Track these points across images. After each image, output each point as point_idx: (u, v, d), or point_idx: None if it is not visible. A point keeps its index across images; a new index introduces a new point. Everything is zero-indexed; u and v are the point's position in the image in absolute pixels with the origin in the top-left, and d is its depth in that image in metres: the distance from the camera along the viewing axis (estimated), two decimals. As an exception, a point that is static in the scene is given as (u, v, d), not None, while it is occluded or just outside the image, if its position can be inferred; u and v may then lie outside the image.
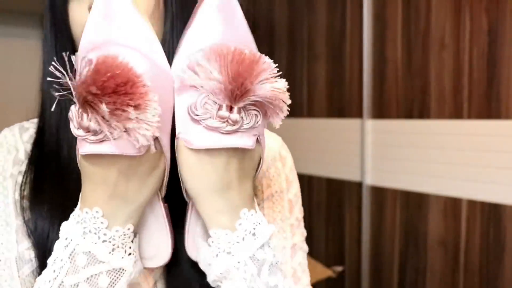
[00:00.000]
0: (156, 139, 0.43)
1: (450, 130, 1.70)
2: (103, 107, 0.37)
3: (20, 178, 0.54)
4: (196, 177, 0.44)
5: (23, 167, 0.55)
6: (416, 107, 1.82)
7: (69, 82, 0.38)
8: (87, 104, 0.38)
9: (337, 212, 2.13)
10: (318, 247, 2.20)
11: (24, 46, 4.55)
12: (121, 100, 0.38)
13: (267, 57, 0.43)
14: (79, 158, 0.45)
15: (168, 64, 0.45)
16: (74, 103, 0.40)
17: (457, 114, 1.68)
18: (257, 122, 0.43)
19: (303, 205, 0.66)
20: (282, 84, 0.42)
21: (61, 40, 0.54)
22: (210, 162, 0.44)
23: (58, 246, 0.45)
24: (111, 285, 0.44)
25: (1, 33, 4.52)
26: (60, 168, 0.54)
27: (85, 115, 0.39)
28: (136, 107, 0.38)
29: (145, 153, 0.42)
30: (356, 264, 2.08)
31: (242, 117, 0.43)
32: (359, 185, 2.04)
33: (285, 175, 0.62)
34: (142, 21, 0.44)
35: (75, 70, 0.39)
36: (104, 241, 0.43)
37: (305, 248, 0.62)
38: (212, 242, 0.46)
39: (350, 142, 2.06)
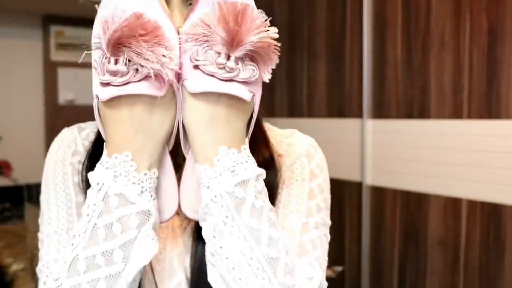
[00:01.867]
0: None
1: (450, 130, 1.70)
2: (142, 44, 0.46)
3: (78, 166, 0.63)
4: (189, 112, 0.50)
5: (81, 157, 0.63)
6: (416, 107, 1.82)
7: (101, 33, 0.46)
8: (121, 46, 0.46)
9: (337, 212, 2.13)
10: (318, 247, 2.20)
11: (25, 46, 4.56)
12: (155, 40, 0.46)
13: (261, 11, 0.49)
14: (98, 106, 0.50)
15: (170, 22, 0.52)
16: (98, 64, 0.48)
17: (457, 114, 1.68)
18: (254, 76, 0.49)
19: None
20: (272, 31, 0.49)
21: None
22: (204, 99, 0.49)
23: (90, 193, 0.49)
24: (140, 226, 0.48)
25: (1, 33, 4.52)
26: None
27: (112, 60, 0.46)
28: (166, 47, 0.47)
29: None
30: (356, 264, 2.08)
31: (238, 68, 0.48)
32: (359, 185, 2.04)
33: (309, 168, 0.64)
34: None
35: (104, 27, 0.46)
36: (133, 183, 0.48)
37: (326, 233, 0.63)
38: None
39: (350, 142, 2.06)
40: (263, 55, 0.49)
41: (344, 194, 2.11)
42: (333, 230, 2.47)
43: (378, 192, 1.98)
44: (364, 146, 1.99)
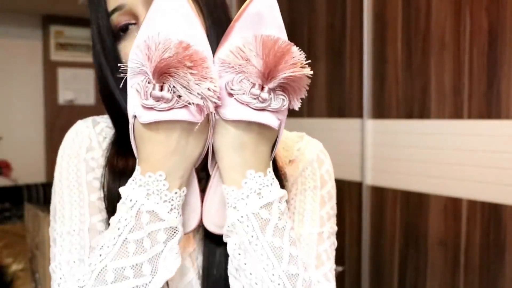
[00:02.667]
0: None
1: (450, 130, 1.70)
2: (189, 76, 0.47)
3: (92, 163, 0.63)
4: (220, 136, 0.53)
5: (95, 154, 0.64)
6: (416, 107, 1.82)
7: (145, 59, 0.48)
8: (168, 75, 0.48)
9: (337, 212, 2.13)
10: (318, 247, 2.20)
11: (25, 46, 4.56)
12: (202, 73, 0.48)
13: (298, 48, 0.51)
14: (134, 125, 0.52)
15: (211, 51, 0.53)
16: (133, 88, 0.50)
17: (457, 114, 1.68)
18: (283, 106, 0.51)
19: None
20: (307, 71, 0.50)
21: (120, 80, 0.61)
22: (235, 126, 0.52)
23: (121, 208, 0.51)
24: (167, 241, 0.51)
25: (1, 33, 4.51)
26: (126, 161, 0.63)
27: (157, 86, 0.48)
28: (211, 79, 0.49)
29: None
30: (356, 264, 2.08)
31: (270, 98, 0.51)
32: (359, 185, 2.04)
33: (320, 174, 0.67)
34: (194, 17, 0.53)
35: (148, 52, 0.48)
36: (165, 201, 0.51)
37: (334, 241, 0.68)
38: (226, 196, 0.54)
39: (350, 142, 2.06)
40: (295, 87, 0.51)
41: (344, 194, 2.11)
42: (333, 230, 2.42)
43: (378, 192, 1.98)
44: (364, 146, 1.99)
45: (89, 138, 0.65)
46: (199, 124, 0.50)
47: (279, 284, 0.51)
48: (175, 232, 0.51)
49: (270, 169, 0.54)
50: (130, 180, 0.52)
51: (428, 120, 1.77)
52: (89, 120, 0.66)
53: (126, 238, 0.50)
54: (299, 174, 0.66)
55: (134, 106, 0.51)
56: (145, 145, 0.52)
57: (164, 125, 0.50)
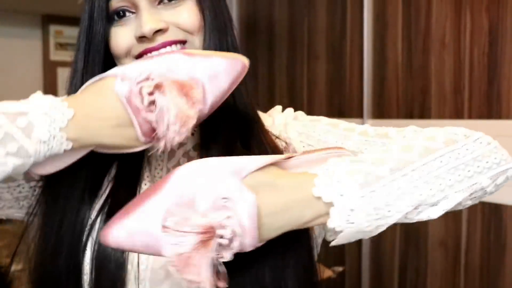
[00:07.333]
0: None
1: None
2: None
3: None
4: None
5: None
6: (416, 107, 1.81)
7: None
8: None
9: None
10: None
11: (24, 46, 4.55)
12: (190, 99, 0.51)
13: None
14: (108, 86, 0.52)
15: None
16: None
17: (457, 114, 1.68)
18: None
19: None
20: None
21: (93, 59, 0.63)
22: None
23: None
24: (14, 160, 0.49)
25: (1, 33, 4.50)
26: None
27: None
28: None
29: None
30: (356, 264, 2.08)
31: None
32: (359, 185, 2.03)
33: (303, 124, 0.69)
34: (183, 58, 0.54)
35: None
36: (50, 125, 0.49)
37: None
38: None
39: (350, 142, 2.05)
40: None
41: (344, 194, 2.11)
42: (333, 230, 2.41)
43: (378, 192, 1.97)
44: (364, 146, 1.98)
45: None
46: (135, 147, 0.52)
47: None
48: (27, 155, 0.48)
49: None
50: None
51: (429, 120, 1.77)
52: None
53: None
54: (296, 140, 0.68)
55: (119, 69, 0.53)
56: (91, 96, 0.52)
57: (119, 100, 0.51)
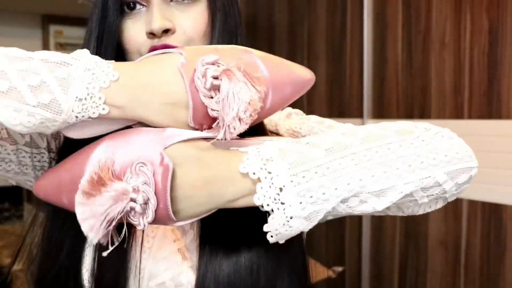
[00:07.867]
0: None
1: (451, 130, 1.70)
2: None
3: None
4: None
5: None
6: (416, 107, 1.81)
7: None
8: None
9: (337, 212, 2.13)
10: (318, 247, 2.20)
11: (24, 46, 4.55)
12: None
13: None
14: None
15: None
16: None
17: (457, 114, 1.68)
18: None
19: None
20: None
21: (105, 51, 0.61)
22: None
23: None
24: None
25: (1, 33, 4.51)
26: None
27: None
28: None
29: None
30: (356, 264, 2.08)
31: None
32: (359, 185, 2.03)
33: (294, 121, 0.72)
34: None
35: None
36: (90, 83, 0.47)
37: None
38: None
39: (350, 142, 2.05)
40: None
41: (344, 194, 2.11)
42: (333, 230, 2.46)
43: (378, 192, 1.97)
44: (364, 146, 1.98)
45: None
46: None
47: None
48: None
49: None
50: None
51: (429, 120, 1.77)
52: None
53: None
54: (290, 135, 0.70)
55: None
56: (150, 67, 0.49)
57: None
